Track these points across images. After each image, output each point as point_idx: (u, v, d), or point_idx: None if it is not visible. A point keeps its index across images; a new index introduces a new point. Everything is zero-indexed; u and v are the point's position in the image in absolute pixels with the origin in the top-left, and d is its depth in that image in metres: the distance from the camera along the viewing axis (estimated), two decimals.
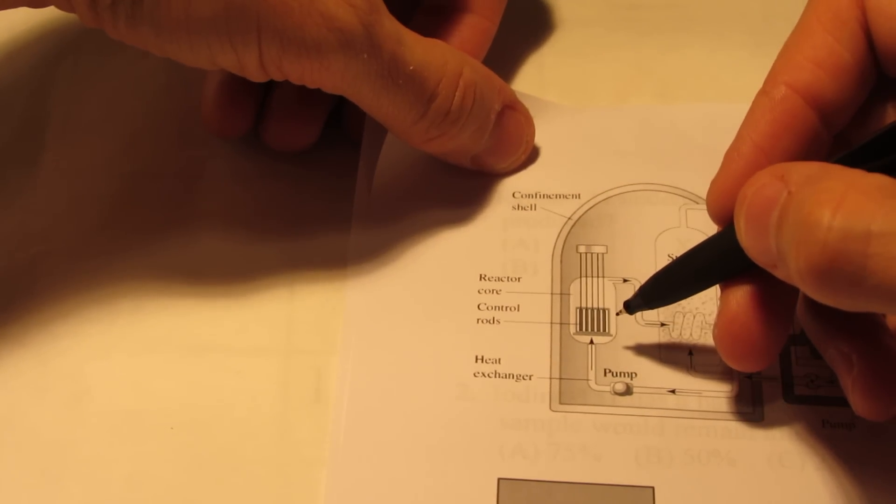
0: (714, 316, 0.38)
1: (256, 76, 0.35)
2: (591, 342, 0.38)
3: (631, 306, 0.37)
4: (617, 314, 0.38)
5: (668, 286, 0.36)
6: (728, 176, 0.34)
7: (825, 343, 0.34)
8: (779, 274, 0.30)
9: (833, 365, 0.34)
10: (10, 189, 0.43)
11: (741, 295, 0.34)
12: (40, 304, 0.39)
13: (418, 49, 0.37)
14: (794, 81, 0.33)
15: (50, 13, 0.37)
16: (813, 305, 0.34)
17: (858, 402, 0.33)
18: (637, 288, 0.37)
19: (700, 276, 0.35)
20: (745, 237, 0.31)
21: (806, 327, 0.35)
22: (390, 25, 0.36)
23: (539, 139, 0.42)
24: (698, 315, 0.38)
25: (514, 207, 0.41)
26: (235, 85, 0.41)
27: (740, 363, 0.34)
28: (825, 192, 0.27)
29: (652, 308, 0.37)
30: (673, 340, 0.38)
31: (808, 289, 0.28)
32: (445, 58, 0.38)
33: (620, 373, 0.37)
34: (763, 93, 0.34)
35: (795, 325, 0.37)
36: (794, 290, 0.34)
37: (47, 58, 0.46)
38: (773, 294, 0.33)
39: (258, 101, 0.42)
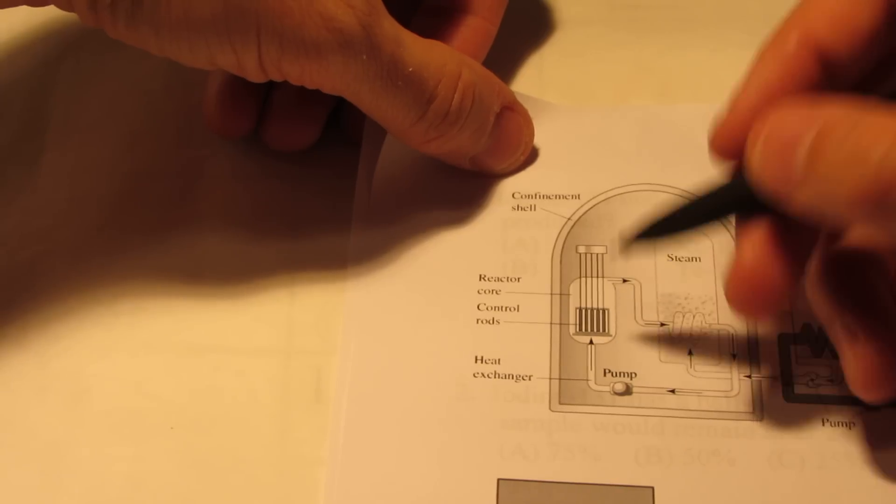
0: (714, 315, 0.38)
1: (256, 76, 0.35)
2: (591, 342, 0.38)
3: (634, 239, 0.35)
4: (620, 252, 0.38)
5: (670, 220, 0.35)
6: (735, 116, 0.34)
7: (832, 317, 0.34)
8: (793, 204, 0.30)
9: (836, 340, 0.34)
10: (10, 189, 0.43)
11: (757, 240, 0.33)
12: (40, 304, 0.39)
13: (417, 50, 0.37)
14: (808, 35, 0.33)
15: (50, 13, 0.37)
16: (824, 277, 0.34)
17: (858, 380, 0.33)
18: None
19: (706, 212, 0.35)
20: (762, 164, 0.31)
21: (813, 300, 0.35)
22: (389, 27, 0.36)
23: (538, 140, 0.42)
24: (698, 315, 0.38)
25: (513, 208, 0.41)
26: (237, 85, 0.41)
27: (754, 309, 0.34)
28: (874, 120, 0.28)
29: (650, 240, 0.35)
30: (673, 340, 0.38)
31: (854, 213, 0.28)
32: (444, 59, 0.38)
33: (620, 373, 0.37)
34: (774, 42, 0.34)
35: (795, 325, 0.37)
36: (808, 239, 0.34)
37: (47, 58, 0.46)
38: (789, 240, 0.33)
39: (260, 100, 0.42)
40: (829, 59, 0.33)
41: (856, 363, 0.33)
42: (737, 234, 0.34)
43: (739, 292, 0.33)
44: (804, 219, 0.31)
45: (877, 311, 0.33)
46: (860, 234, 0.35)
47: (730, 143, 0.34)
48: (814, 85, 0.33)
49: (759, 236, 0.33)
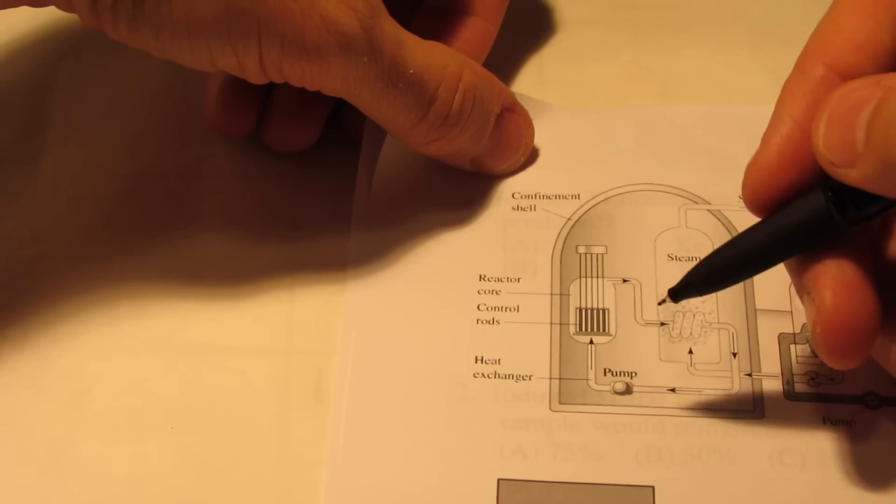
0: (714, 315, 0.38)
1: (256, 78, 0.35)
2: (591, 342, 0.38)
3: (677, 294, 0.35)
4: (659, 304, 0.37)
5: (719, 271, 0.34)
6: (769, 156, 0.33)
7: (888, 343, 0.33)
8: (853, 175, 0.29)
9: (894, 369, 0.33)
10: (11, 189, 0.43)
11: (831, 283, 0.32)
12: (40, 304, 0.39)
13: (418, 52, 0.37)
14: (833, 62, 0.33)
15: (51, 13, 0.37)
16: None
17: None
18: (677, 283, 0.35)
19: (756, 258, 0.33)
20: (825, 135, 0.30)
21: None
22: (390, 29, 0.36)
23: (538, 140, 0.42)
24: (698, 314, 0.38)
25: (513, 208, 0.41)
26: (238, 85, 0.41)
27: (851, 357, 0.32)
28: None
29: (702, 294, 0.35)
30: (673, 339, 0.38)
31: None
32: (445, 61, 0.38)
33: (620, 372, 0.37)
34: (799, 72, 0.33)
35: (795, 324, 0.37)
36: (867, 264, 0.32)
37: (48, 58, 0.46)
38: (858, 273, 0.32)
39: (260, 101, 0.42)
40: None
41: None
42: (810, 276, 0.32)
43: (834, 341, 0.32)
44: (869, 193, 0.30)
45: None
46: None
47: (762, 193, 0.33)
48: None
49: (837, 272, 0.32)
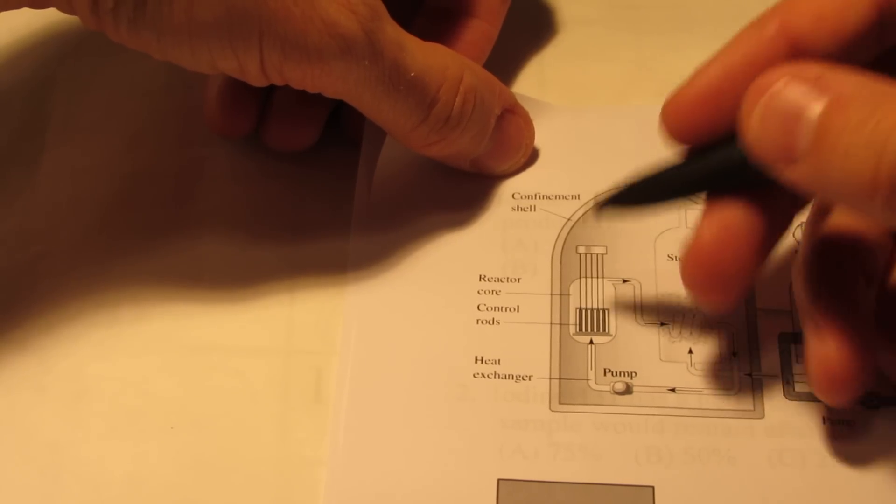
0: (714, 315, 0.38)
1: (257, 81, 0.35)
2: (591, 342, 0.38)
3: (604, 206, 0.35)
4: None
5: (646, 188, 0.35)
6: (691, 91, 0.33)
7: (804, 308, 0.34)
8: (789, 176, 0.30)
9: (805, 334, 0.34)
10: (10, 189, 0.43)
11: (721, 219, 0.32)
12: (40, 305, 0.39)
13: (419, 54, 0.37)
14: (790, 25, 0.32)
15: (51, 15, 0.37)
16: (805, 265, 0.34)
17: (813, 378, 0.32)
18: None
19: (683, 184, 0.34)
20: (760, 131, 0.30)
21: (795, 289, 0.35)
22: (392, 31, 0.36)
23: (539, 140, 0.42)
24: (698, 315, 0.38)
25: (513, 208, 0.41)
26: (238, 86, 0.41)
27: (707, 292, 0.33)
28: None
29: (625, 208, 0.35)
30: (672, 339, 0.38)
31: (876, 198, 0.27)
32: (446, 63, 0.38)
33: (620, 372, 0.37)
34: (756, 23, 0.33)
35: (795, 324, 0.37)
36: (778, 228, 0.33)
37: (48, 58, 0.46)
38: (756, 225, 0.32)
39: (260, 101, 0.42)
40: (805, 55, 0.32)
41: (815, 359, 0.32)
42: (703, 211, 0.33)
43: (694, 273, 0.33)
44: (791, 192, 0.31)
45: (846, 306, 0.33)
46: (849, 218, 0.35)
47: (683, 118, 0.33)
48: None
49: (724, 215, 0.32)
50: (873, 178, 0.27)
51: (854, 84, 0.29)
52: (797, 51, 0.32)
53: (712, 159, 0.33)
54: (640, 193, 0.35)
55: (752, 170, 0.31)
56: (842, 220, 0.35)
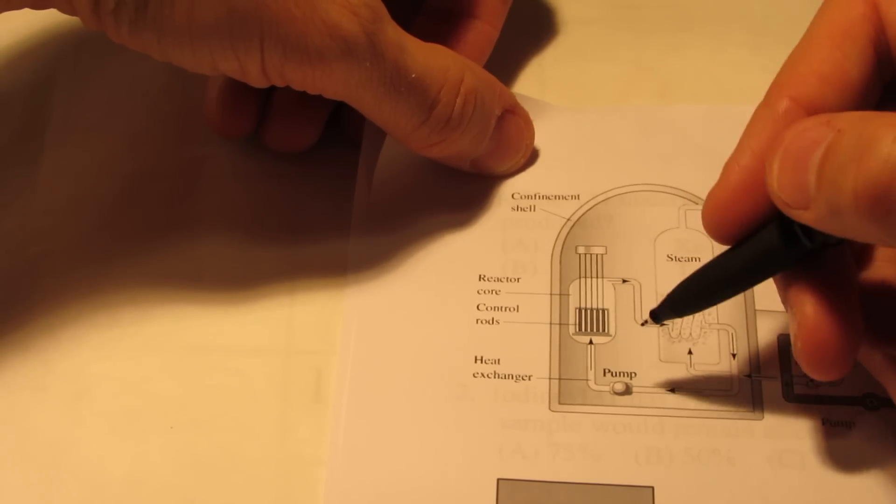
0: (714, 315, 0.38)
1: (258, 82, 0.35)
2: (591, 342, 0.38)
3: (659, 316, 0.36)
4: (642, 324, 0.38)
5: (696, 294, 0.35)
6: (727, 187, 0.33)
7: (871, 349, 0.33)
8: (806, 216, 0.30)
9: (881, 374, 0.33)
10: (10, 189, 0.43)
11: (812, 299, 0.32)
12: (40, 305, 0.39)
13: (420, 56, 0.37)
14: (799, 95, 0.33)
15: (51, 15, 0.37)
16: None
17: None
18: (660, 299, 0.36)
19: (731, 281, 0.34)
20: (779, 176, 0.30)
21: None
22: (393, 33, 0.36)
23: (538, 140, 0.42)
24: (698, 315, 0.38)
25: (513, 208, 0.41)
26: (238, 86, 0.41)
27: (830, 371, 0.32)
28: (885, 119, 0.27)
29: (680, 316, 0.36)
30: (672, 340, 0.38)
31: (859, 211, 0.27)
32: (447, 64, 0.38)
33: (620, 373, 0.37)
34: (766, 105, 0.33)
35: None
36: (851, 282, 0.33)
37: (48, 58, 0.46)
38: (841, 291, 0.32)
39: (261, 101, 0.42)
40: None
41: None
42: (787, 300, 0.33)
43: (817, 357, 0.32)
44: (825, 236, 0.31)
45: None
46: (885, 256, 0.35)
47: (721, 221, 0.33)
48: None
49: (812, 296, 0.32)
50: (857, 190, 0.27)
51: (850, 118, 0.29)
52: (813, 114, 0.32)
53: (752, 246, 0.33)
54: (691, 296, 0.35)
55: (791, 245, 0.32)
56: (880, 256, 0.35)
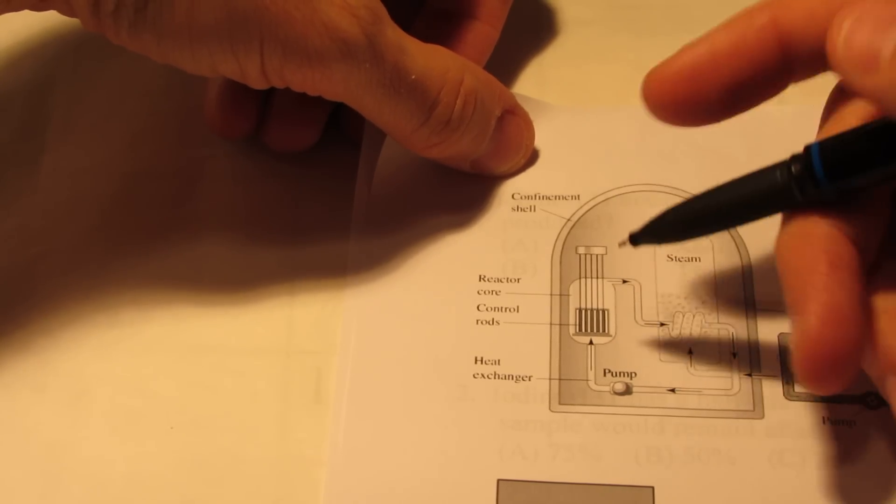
0: (714, 315, 0.38)
1: (258, 84, 0.35)
2: (591, 343, 0.38)
3: (638, 238, 0.35)
4: (620, 245, 0.37)
5: (681, 220, 0.35)
6: (673, 66, 0.34)
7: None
8: (867, 82, 0.29)
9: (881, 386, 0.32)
10: (10, 189, 0.43)
11: (821, 308, 0.31)
12: (40, 305, 0.39)
13: (420, 57, 0.37)
14: (781, 18, 0.33)
15: (51, 16, 0.37)
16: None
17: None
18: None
19: (722, 212, 0.34)
20: (848, 36, 0.30)
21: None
22: (393, 34, 0.36)
23: (538, 140, 0.42)
24: (698, 314, 0.38)
25: (513, 209, 0.41)
26: (238, 86, 0.41)
27: (828, 384, 0.31)
28: None
29: (660, 242, 0.36)
30: (672, 340, 0.38)
31: None
32: (447, 65, 0.38)
33: (620, 373, 0.37)
34: (747, 12, 0.34)
35: None
36: (859, 290, 0.32)
37: (48, 59, 0.46)
38: (854, 298, 0.31)
39: (261, 102, 0.42)
40: (792, 49, 0.33)
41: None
42: (797, 299, 0.31)
43: (812, 368, 0.31)
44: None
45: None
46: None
47: (664, 90, 0.34)
48: (767, 69, 0.33)
49: (822, 302, 0.31)
50: None
51: None
52: (785, 44, 0.33)
53: (751, 184, 0.33)
54: (676, 223, 0.35)
55: (795, 192, 0.32)
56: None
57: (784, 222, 0.33)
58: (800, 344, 0.31)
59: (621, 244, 0.37)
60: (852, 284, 0.31)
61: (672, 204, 0.35)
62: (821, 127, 0.35)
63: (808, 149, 0.32)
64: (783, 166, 0.33)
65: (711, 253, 0.39)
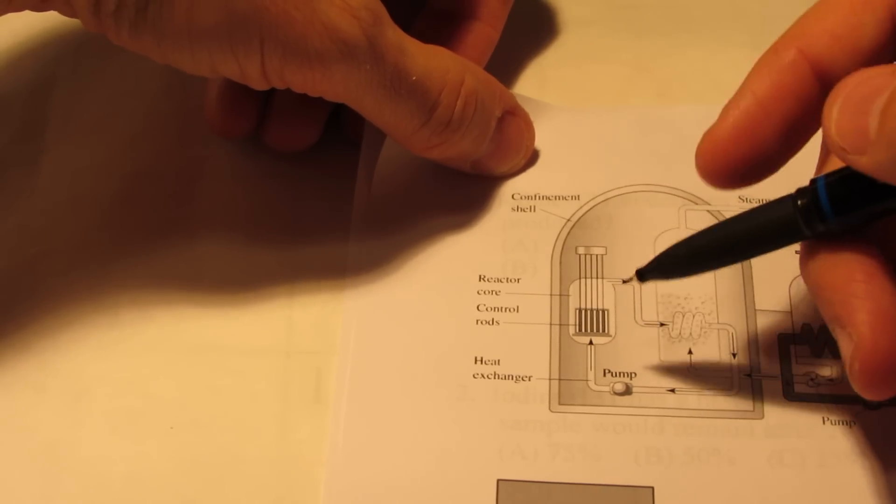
0: (714, 315, 0.38)
1: (258, 84, 0.35)
2: (591, 343, 0.38)
3: (644, 275, 0.35)
4: (624, 282, 0.37)
5: (689, 256, 0.34)
6: (726, 127, 0.33)
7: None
8: (863, 161, 0.29)
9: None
10: (10, 189, 0.43)
11: (869, 316, 0.30)
12: (40, 305, 0.39)
13: (420, 58, 0.37)
14: (807, 49, 0.33)
15: (51, 16, 0.37)
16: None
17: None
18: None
19: (722, 252, 0.34)
20: (838, 119, 0.30)
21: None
22: (393, 35, 0.36)
23: (538, 141, 0.42)
24: (698, 315, 0.38)
25: (513, 209, 0.41)
26: (238, 86, 0.41)
27: (890, 389, 0.31)
28: None
29: (668, 279, 0.35)
30: (672, 340, 0.38)
31: None
32: (447, 66, 0.38)
33: (620, 373, 0.37)
34: (772, 52, 0.33)
35: (795, 325, 0.37)
36: None
37: (48, 59, 0.46)
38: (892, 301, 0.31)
39: (261, 101, 0.42)
40: (826, 76, 0.33)
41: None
42: (842, 312, 0.31)
43: (872, 377, 0.31)
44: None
45: (879, 289, 0.31)
46: None
47: (716, 160, 0.33)
48: (810, 100, 0.33)
49: (869, 310, 0.31)
50: None
51: None
52: (819, 72, 0.33)
53: (757, 219, 0.33)
54: (682, 258, 0.35)
55: (803, 224, 0.32)
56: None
57: (806, 248, 0.33)
58: (856, 355, 0.31)
59: (626, 281, 0.37)
60: (893, 288, 0.31)
61: (677, 240, 0.35)
62: (821, 158, 0.34)
63: (813, 182, 0.32)
64: (788, 200, 0.32)
65: None
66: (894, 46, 0.33)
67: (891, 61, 0.33)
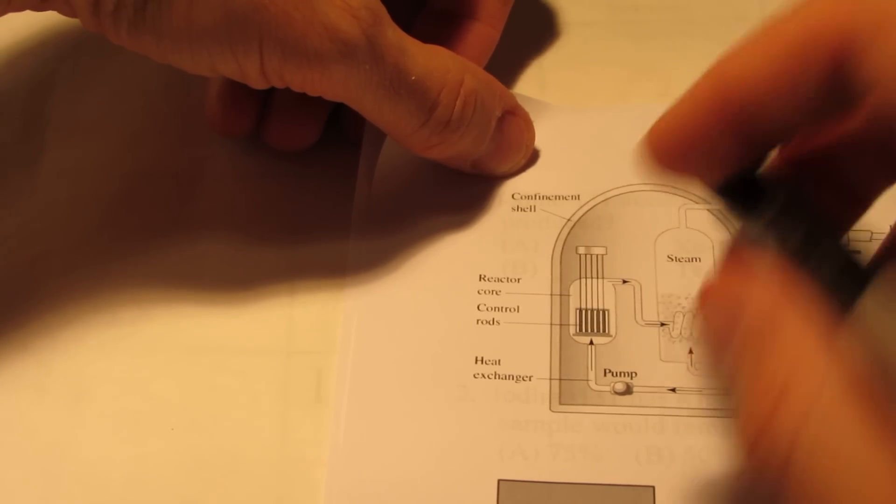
0: None
1: (257, 84, 0.35)
2: (591, 343, 0.38)
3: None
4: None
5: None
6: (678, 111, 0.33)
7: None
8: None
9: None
10: (10, 189, 0.43)
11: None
12: (40, 305, 0.39)
13: (420, 58, 0.37)
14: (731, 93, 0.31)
15: (51, 15, 0.37)
16: None
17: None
18: None
19: None
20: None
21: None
22: (393, 35, 0.36)
23: (539, 140, 0.42)
24: (697, 314, 0.38)
25: (513, 209, 0.41)
26: (238, 85, 0.41)
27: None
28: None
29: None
30: (673, 339, 0.38)
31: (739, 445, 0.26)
32: (447, 66, 0.38)
33: (620, 372, 0.37)
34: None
35: None
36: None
37: (48, 59, 0.46)
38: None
39: (261, 100, 0.42)
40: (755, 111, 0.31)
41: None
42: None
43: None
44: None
45: None
46: None
47: (662, 148, 0.33)
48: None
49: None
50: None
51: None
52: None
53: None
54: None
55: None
56: None
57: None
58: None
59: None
60: None
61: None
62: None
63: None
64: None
65: (712, 253, 0.39)
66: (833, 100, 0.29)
67: (826, 117, 0.30)
